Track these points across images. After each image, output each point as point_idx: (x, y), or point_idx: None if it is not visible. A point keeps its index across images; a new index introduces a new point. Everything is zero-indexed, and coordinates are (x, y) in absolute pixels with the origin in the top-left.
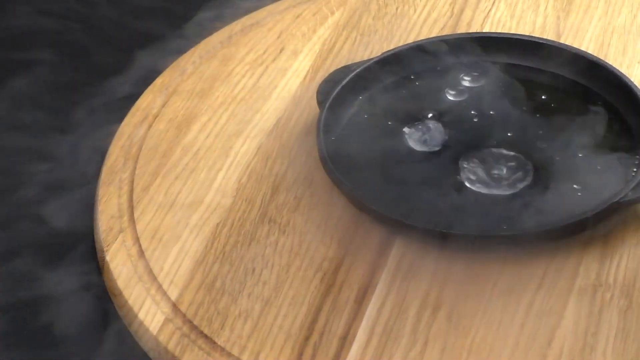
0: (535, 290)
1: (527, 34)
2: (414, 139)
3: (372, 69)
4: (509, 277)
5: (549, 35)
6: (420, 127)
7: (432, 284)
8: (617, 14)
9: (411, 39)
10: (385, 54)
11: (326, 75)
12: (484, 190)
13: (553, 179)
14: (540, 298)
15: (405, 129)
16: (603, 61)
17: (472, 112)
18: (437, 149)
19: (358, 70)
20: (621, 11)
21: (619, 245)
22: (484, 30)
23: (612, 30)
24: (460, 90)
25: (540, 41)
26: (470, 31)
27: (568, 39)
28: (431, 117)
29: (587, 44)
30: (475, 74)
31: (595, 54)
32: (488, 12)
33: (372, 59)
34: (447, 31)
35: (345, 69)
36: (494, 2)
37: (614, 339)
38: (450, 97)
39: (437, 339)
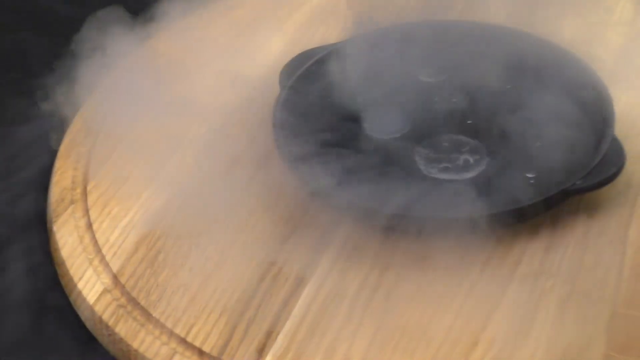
0: (477, 275)
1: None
2: (371, 125)
3: (336, 53)
4: (452, 261)
5: (520, 24)
6: (378, 113)
7: (373, 266)
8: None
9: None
10: (350, 39)
11: (295, 55)
12: (437, 175)
13: (507, 166)
14: (480, 283)
15: (363, 115)
16: (565, 48)
17: (435, 99)
18: (394, 135)
19: (322, 54)
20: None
21: (567, 234)
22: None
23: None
24: (423, 78)
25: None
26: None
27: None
28: (390, 103)
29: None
30: (440, 62)
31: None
32: None
33: (337, 43)
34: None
35: (311, 52)
36: None
37: (549, 327)
38: (412, 85)
39: (372, 318)
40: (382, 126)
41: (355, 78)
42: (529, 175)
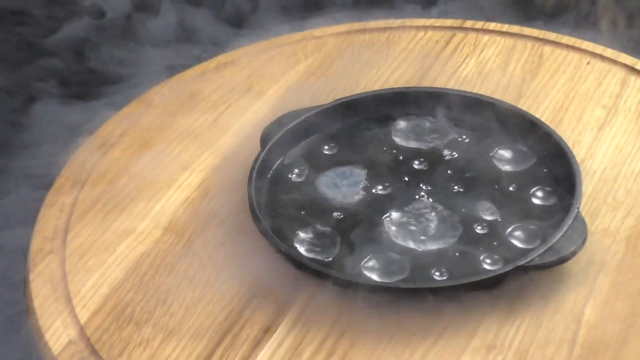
0: (430, 345)
1: (488, 92)
2: (343, 188)
3: (319, 115)
4: (407, 330)
5: (510, 95)
6: (350, 176)
7: (331, 331)
8: (582, 80)
9: (376, 88)
10: (333, 103)
11: (278, 117)
12: (404, 242)
13: (468, 237)
14: (433, 353)
15: (337, 179)
16: (537, 119)
17: (412, 164)
18: (365, 198)
19: (304, 116)
20: (587, 78)
21: (522, 309)
22: (447, 87)
23: (573, 96)
24: (400, 143)
25: (479, 98)
26: (435, 86)
27: (527, 101)
28: (365, 169)
29: (545, 107)
30: (419, 128)
31: (550, 118)
32: (457, 69)
33: (321, 105)
34: (412, 84)
35: (295, 114)
36: (464, 59)
37: None
38: (388, 149)
39: None
40: (354, 189)
41: (335, 139)
42: (489, 248)
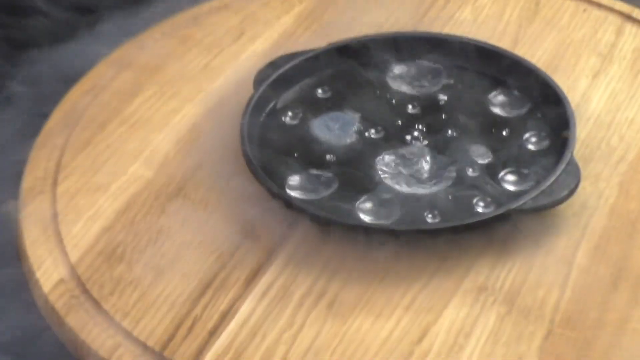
0: (421, 287)
1: (484, 39)
2: (336, 131)
3: (314, 58)
4: (399, 272)
5: (505, 42)
6: (343, 120)
7: (322, 273)
8: (578, 28)
9: (371, 33)
10: (329, 46)
11: (272, 59)
12: (397, 185)
13: (462, 179)
14: (423, 295)
15: (330, 122)
16: (533, 64)
17: (406, 108)
18: (358, 142)
19: (299, 59)
20: (583, 25)
21: (514, 252)
22: (443, 32)
23: (569, 43)
24: (394, 88)
25: (474, 43)
26: (430, 30)
27: (523, 48)
28: (358, 113)
29: (541, 54)
30: (413, 73)
31: (546, 65)
32: (452, 15)
33: (316, 49)
34: (408, 29)
35: (289, 57)
36: (460, 6)
37: (484, 342)
38: (381, 94)
39: (314, 324)
40: (348, 133)
41: (330, 83)
42: (482, 191)
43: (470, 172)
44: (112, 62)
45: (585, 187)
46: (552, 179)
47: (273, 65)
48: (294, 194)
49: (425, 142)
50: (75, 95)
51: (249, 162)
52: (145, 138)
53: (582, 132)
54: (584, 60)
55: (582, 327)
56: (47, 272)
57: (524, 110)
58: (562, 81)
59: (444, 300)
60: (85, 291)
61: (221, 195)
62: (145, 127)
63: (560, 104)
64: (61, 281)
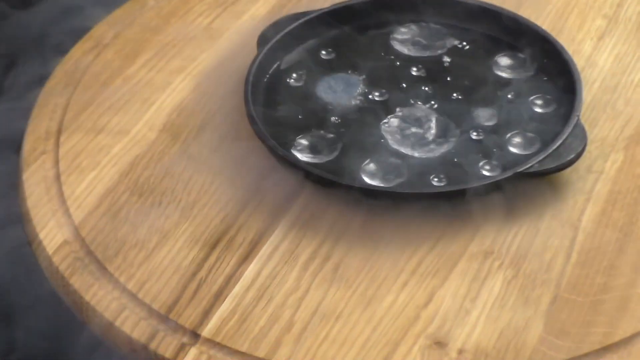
0: (427, 251)
1: (489, 0)
2: (340, 93)
3: (318, 19)
4: (404, 236)
5: (511, 3)
6: (348, 82)
7: (327, 236)
8: None
9: None
10: (333, 7)
11: (275, 20)
12: (402, 148)
13: (467, 144)
14: (429, 259)
15: (334, 84)
16: (541, 28)
17: (410, 71)
18: (364, 105)
19: (303, 20)
20: None
21: (521, 216)
22: None
23: (574, 5)
24: (398, 50)
25: (479, 4)
26: None
27: (528, 10)
28: (362, 75)
29: (545, 16)
30: (417, 34)
31: (551, 27)
32: None
33: (320, 9)
34: None
35: (293, 17)
36: None
37: (490, 306)
38: (385, 56)
39: (319, 287)
40: (352, 95)
41: (335, 45)
42: (488, 155)
43: (475, 135)
44: (114, 21)
45: (590, 150)
46: (559, 142)
47: (276, 25)
48: (298, 155)
49: (430, 104)
50: (77, 54)
51: (253, 123)
52: (148, 98)
53: (588, 95)
54: (589, 22)
55: (588, 291)
56: (51, 233)
57: (529, 73)
58: (567, 43)
59: (450, 265)
60: (90, 253)
61: (225, 156)
62: (148, 87)
63: (566, 67)
64: (65, 242)
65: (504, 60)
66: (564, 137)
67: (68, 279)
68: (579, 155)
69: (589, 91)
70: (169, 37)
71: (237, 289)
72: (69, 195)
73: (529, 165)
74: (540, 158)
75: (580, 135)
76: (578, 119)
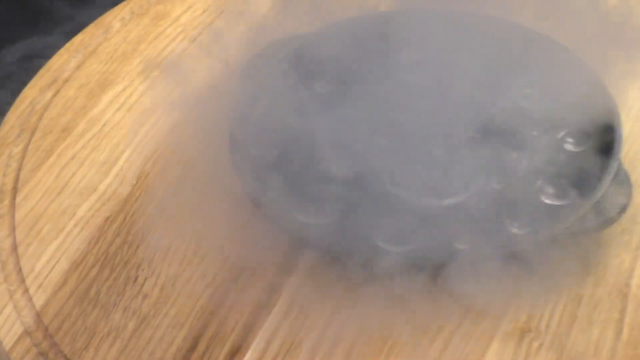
0: (452, 331)
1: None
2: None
3: (308, 45)
4: (424, 310)
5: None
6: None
7: (334, 313)
8: None
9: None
10: (326, 29)
11: (260, 48)
12: (414, 199)
13: (496, 193)
14: (456, 341)
15: (333, 125)
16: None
17: (415, 105)
18: (367, 148)
19: (291, 47)
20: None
21: (557, 282)
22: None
23: None
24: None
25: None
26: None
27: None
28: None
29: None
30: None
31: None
32: None
33: (310, 34)
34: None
35: (280, 43)
36: None
37: None
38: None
39: None
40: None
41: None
42: (515, 207)
43: (498, 182)
44: (75, 50)
45: (634, 197)
46: (599, 193)
47: (262, 56)
48: (297, 216)
49: (446, 146)
50: (32, 92)
51: (246, 188)
52: (117, 145)
53: (625, 126)
54: None
55: None
56: (9, 321)
57: (556, 104)
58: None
59: (482, 347)
60: (54, 345)
61: (210, 216)
62: (116, 130)
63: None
64: (25, 333)
65: (528, 92)
66: (605, 186)
67: None
68: (624, 209)
69: (626, 120)
70: (139, 68)
71: None
72: (28, 271)
73: (567, 223)
74: (582, 213)
75: (624, 182)
76: (620, 163)
